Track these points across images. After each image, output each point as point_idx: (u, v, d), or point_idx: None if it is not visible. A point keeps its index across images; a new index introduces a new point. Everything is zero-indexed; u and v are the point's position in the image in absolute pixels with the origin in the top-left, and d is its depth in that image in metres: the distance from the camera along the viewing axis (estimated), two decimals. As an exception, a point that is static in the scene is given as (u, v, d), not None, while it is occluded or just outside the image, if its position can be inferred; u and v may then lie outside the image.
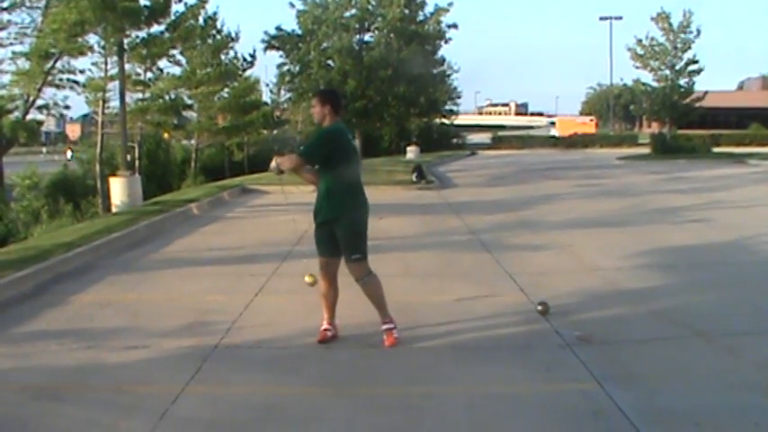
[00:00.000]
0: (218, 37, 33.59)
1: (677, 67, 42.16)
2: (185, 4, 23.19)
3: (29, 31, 20.82)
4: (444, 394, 5.66)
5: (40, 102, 22.83)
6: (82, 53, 22.07)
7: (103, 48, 24.21)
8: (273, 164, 6.80)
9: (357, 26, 34.56)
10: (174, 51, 26.89)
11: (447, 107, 53.27)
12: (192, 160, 40.73)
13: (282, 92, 46.75)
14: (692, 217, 15.12)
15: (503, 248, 11.67)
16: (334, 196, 6.74)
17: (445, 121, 57.00)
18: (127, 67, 23.80)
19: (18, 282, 9.22)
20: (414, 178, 24.41)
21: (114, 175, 19.21)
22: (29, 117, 22.96)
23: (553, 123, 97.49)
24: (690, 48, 41.68)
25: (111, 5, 17.72)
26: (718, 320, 7.45)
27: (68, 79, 23.31)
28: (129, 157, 22.08)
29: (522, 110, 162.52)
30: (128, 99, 24.70)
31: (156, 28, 21.86)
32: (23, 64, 21.40)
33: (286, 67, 35.12)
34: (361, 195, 6.91)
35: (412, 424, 5.14)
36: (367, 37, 35.53)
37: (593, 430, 4.99)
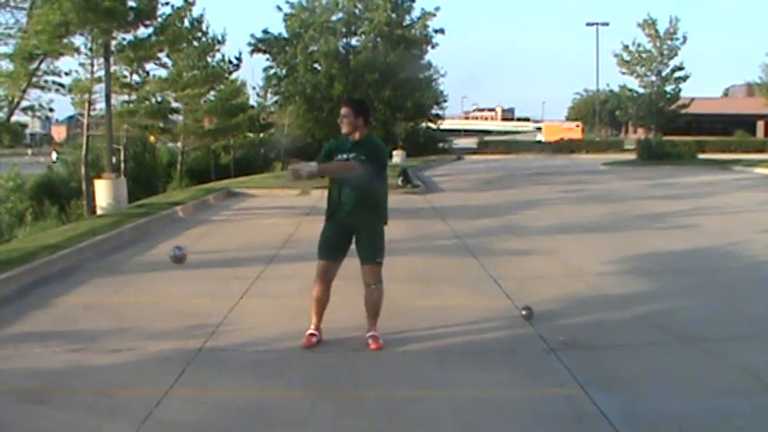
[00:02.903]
0: (205, 39, 33.51)
1: (663, 74, 42.36)
2: (172, 6, 23.15)
3: (13, 31, 20.67)
4: (428, 398, 5.66)
5: (24, 103, 22.69)
6: (62, 54, 21.96)
7: (90, 49, 24.14)
8: (306, 169, 6.50)
9: (344, 30, 34.58)
10: (161, 54, 26.80)
11: (433, 111, 53.40)
12: (177, 163, 40.68)
13: (269, 95, 46.80)
14: (677, 223, 15.17)
15: (488, 253, 11.69)
16: (377, 200, 6.94)
17: (431, 125, 57.11)
18: (113, 68, 23.73)
19: (1, 284, 9.16)
20: (399, 182, 24.39)
21: (99, 177, 19.14)
22: (13, 119, 22.80)
23: (539, 128, 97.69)
24: (676, 54, 41.92)
25: (94, 6, 17.66)
26: (703, 325, 7.49)
27: (53, 82, 23.19)
28: (114, 160, 22.03)
29: (508, 115, 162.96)
30: (114, 101, 24.60)
31: (142, 30, 21.82)
32: (7, 65, 21.27)
33: (272, 71, 35.11)
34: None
35: (396, 428, 5.14)
36: (354, 41, 35.56)
37: (576, 435, 5.00)
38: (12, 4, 20.34)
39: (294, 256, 11.07)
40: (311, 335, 6.88)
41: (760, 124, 76.08)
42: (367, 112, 7.02)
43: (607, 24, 68.55)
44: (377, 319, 6.90)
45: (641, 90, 43.56)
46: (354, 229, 6.84)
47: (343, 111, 6.81)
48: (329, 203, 6.94)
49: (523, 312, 7.66)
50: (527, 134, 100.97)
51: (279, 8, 34.22)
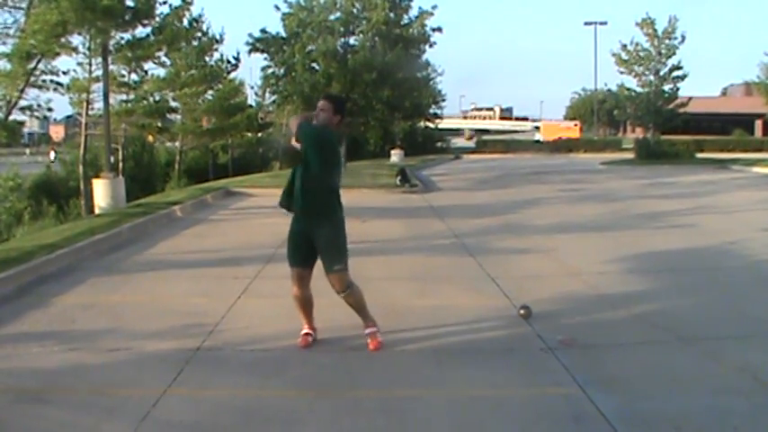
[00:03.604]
0: (204, 39, 33.51)
1: (661, 73, 42.29)
2: (170, 5, 23.15)
3: (11, 31, 20.67)
4: (426, 398, 5.66)
5: (22, 103, 22.69)
6: (59, 54, 21.97)
7: (88, 49, 24.14)
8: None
9: (342, 29, 34.57)
10: (160, 53, 26.80)
11: (431, 111, 53.42)
12: (176, 162, 40.66)
13: (267, 95, 46.79)
14: (676, 222, 15.17)
15: (486, 252, 11.69)
16: (318, 196, 6.64)
17: (430, 124, 57.14)
18: (111, 68, 23.72)
19: (0, 283, 9.18)
20: (398, 182, 24.41)
21: (98, 176, 19.14)
22: (11, 118, 22.80)
23: (537, 128, 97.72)
24: (674, 53, 41.83)
25: (92, 5, 17.65)
26: (701, 325, 7.49)
27: (51, 81, 23.19)
28: (112, 159, 22.00)
29: (506, 114, 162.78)
30: (112, 100, 24.59)
31: (141, 30, 21.81)
32: (5, 65, 21.27)
33: (270, 70, 35.11)
34: (340, 203, 6.85)
35: (394, 427, 5.14)
36: (352, 40, 35.56)
37: (574, 434, 5.00)
38: (10, 3, 20.36)
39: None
40: (306, 334, 6.88)
41: (758, 123, 76.05)
42: (344, 112, 6.88)
43: (605, 24, 69.12)
44: (367, 314, 6.84)
45: (639, 89, 43.51)
46: (312, 233, 6.68)
47: (321, 104, 6.71)
48: (286, 186, 6.83)
49: (521, 311, 7.66)
50: (525, 133, 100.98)
51: (277, 7, 34.21)
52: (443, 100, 56.04)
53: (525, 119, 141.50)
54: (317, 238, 6.66)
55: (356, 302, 6.81)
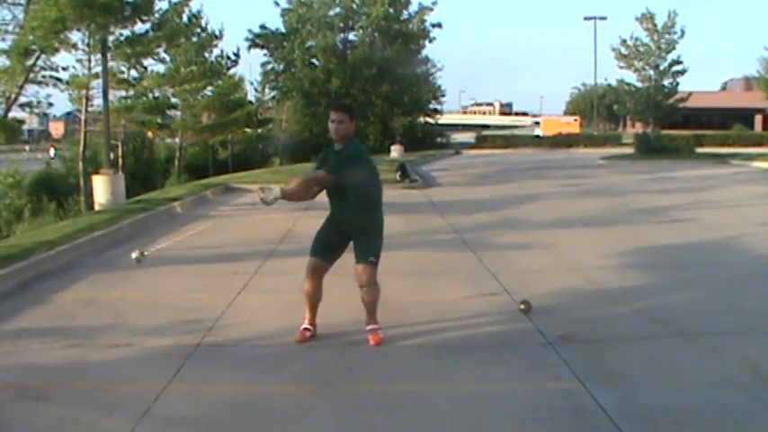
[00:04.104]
0: (203, 35, 33.47)
1: (661, 68, 42.21)
2: (169, 1, 23.13)
3: (10, 27, 20.67)
4: (426, 393, 5.66)
5: (22, 99, 22.69)
6: (58, 50, 21.96)
7: (87, 45, 24.11)
8: (271, 197, 6.37)
9: (341, 25, 34.66)
10: (159, 50, 26.76)
11: (431, 106, 53.46)
12: (175, 159, 40.60)
13: (267, 91, 46.83)
14: (676, 217, 15.17)
15: (486, 247, 11.68)
16: (370, 205, 6.77)
17: (429, 120, 57.16)
18: (111, 64, 23.70)
19: (0, 280, 9.17)
20: (397, 177, 24.34)
21: (97, 173, 19.12)
22: (10, 115, 22.81)
23: (537, 123, 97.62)
24: (674, 48, 41.74)
25: (90, 2, 17.63)
26: (701, 319, 7.49)
27: (51, 77, 23.18)
28: (112, 156, 21.97)
29: (506, 109, 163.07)
30: (111, 97, 24.57)
31: (140, 26, 21.79)
32: (4, 61, 21.27)
33: (270, 66, 35.19)
34: (380, 210, 6.99)
35: (394, 422, 5.14)
36: (351, 36, 35.64)
37: (574, 429, 5.00)
38: (9, 0, 20.35)
39: (292, 252, 11.04)
40: (305, 329, 6.88)
41: (758, 118, 76.00)
42: (356, 118, 6.88)
43: (605, 19, 68.51)
44: (374, 312, 6.85)
45: (639, 84, 43.43)
46: (353, 235, 6.76)
47: (338, 116, 6.57)
48: (331, 211, 6.89)
49: (522, 306, 7.66)
50: (525, 129, 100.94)
51: (276, 3, 34.37)
52: (443, 95, 56.14)
53: (525, 114, 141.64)
54: (361, 234, 6.74)
55: (372, 300, 6.80)
